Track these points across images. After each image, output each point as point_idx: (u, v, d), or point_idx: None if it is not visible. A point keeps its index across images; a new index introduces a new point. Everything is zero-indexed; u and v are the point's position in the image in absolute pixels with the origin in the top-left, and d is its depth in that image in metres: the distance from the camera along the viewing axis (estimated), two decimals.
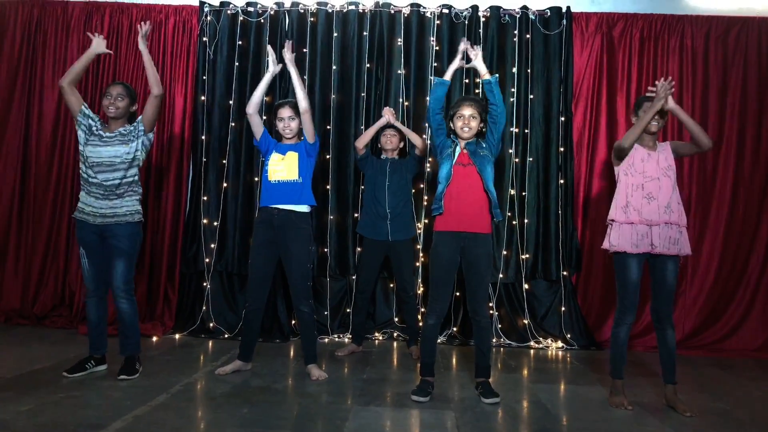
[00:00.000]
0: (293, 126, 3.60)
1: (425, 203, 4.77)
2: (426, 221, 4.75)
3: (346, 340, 4.65)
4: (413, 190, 4.46)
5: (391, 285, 4.87)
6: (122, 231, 3.36)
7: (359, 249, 4.77)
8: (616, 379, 3.24)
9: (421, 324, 4.21)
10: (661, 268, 3.16)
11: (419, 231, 4.74)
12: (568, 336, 4.72)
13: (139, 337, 3.50)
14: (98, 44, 3.41)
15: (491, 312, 4.67)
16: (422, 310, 4.62)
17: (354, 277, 4.80)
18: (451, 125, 3.29)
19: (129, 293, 3.40)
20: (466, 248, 3.21)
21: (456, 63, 3.41)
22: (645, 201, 3.15)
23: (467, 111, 3.24)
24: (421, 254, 4.75)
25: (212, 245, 4.80)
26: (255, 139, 3.69)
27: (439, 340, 4.65)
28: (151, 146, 3.54)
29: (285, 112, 3.60)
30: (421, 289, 4.74)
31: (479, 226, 3.20)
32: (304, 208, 3.56)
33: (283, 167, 3.55)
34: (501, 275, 4.79)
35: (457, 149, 3.26)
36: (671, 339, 3.19)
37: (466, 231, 3.19)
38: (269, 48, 3.71)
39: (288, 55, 3.61)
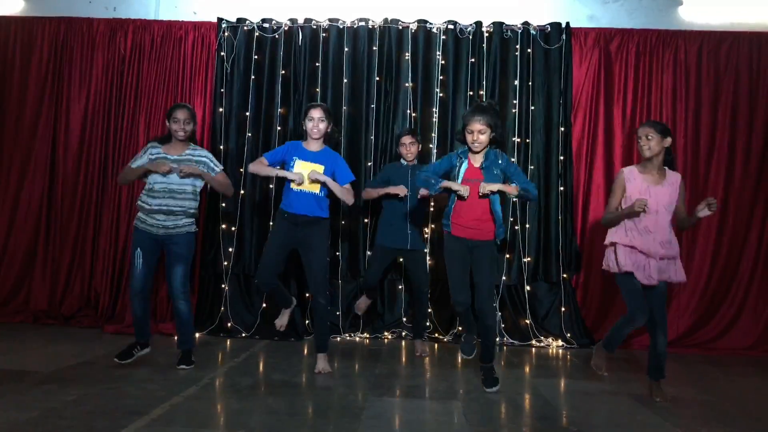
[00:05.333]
0: (322, 127, 3.80)
1: (432, 208, 5.01)
2: (432, 226, 5.01)
3: (357, 339, 4.91)
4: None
5: (400, 287, 5.12)
6: (182, 239, 3.73)
7: (369, 253, 5.01)
8: (607, 351, 3.47)
9: (428, 323, 4.69)
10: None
11: (427, 235, 4.98)
12: (568, 335, 4.96)
13: (193, 333, 3.91)
14: (157, 166, 3.67)
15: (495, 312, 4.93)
16: (429, 310, 4.87)
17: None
18: (464, 135, 3.47)
19: (186, 294, 3.76)
20: (473, 249, 3.46)
21: (453, 186, 3.36)
22: (643, 232, 3.29)
23: (476, 126, 3.36)
24: (428, 257, 5.00)
25: (230, 249, 5.06)
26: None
27: (445, 339, 4.94)
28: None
29: (316, 113, 3.79)
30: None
31: (484, 236, 3.42)
32: (323, 215, 3.82)
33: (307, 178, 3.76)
34: (504, 277, 5.04)
35: (464, 165, 3.44)
36: (661, 345, 3.38)
37: (472, 239, 3.43)
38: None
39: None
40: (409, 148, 4.37)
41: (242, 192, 5.11)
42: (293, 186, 3.74)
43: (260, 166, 3.81)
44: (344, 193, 3.81)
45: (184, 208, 3.74)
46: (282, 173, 3.74)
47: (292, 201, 3.77)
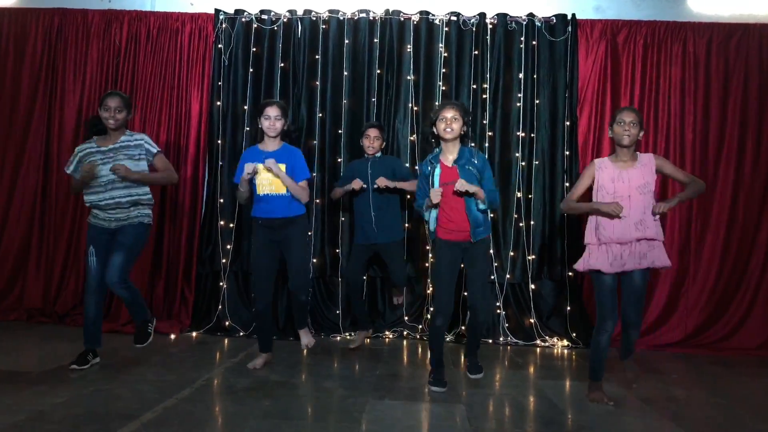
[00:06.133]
0: (278, 126, 3.71)
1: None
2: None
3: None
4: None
5: None
6: (130, 229, 3.56)
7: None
8: (594, 381, 3.34)
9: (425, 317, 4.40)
10: (629, 275, 3.20)
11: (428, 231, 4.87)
12: (573, 335, 4.85)
13: (143, 307, 3.71)
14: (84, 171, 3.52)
15: (498, 312, 4.84)
16: (431, 309, 4.76)
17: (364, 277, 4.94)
18: (434, 130, 3.41)
19: (124, 283, 3.52)
20: (467, 250, 3.41)
21: (431, 201, 3.33)
22: (617, 221, 3.15)
23: (449, 113, 3.33)
24: (430, 255, 4.89)
25: (228, 246, 4.96)
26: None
27: (447, 339, 4.82)
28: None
29: (272, 111, 3.70)
30: (431, 289, 4.88)
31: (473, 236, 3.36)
32: (298, 212, 3.74)
33: (270, 180, 3.64)
34: (508, 276, 4.93)
35: (437, 170, 3.35)
36: (633, 338, 3.35)
37: (463, 240, 3.36)
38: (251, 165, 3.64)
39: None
40: (372, 142, 4.29)
41: (241, 189, 4.99)
42: (259, 191, 3.67)
43: (238, 193, 3.77)
44: (298, 191, 3.68)
45: (133, 195, 3.57)
46: (243, 181, 3.63)
47: (263, 206, 3.69)
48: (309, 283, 3.97)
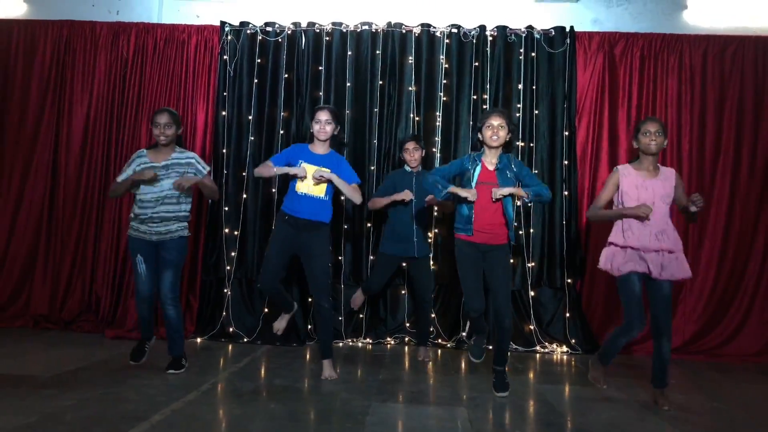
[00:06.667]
0: (328, 129, 3.79)
1: (436, 213, 4.98)
2: (436, 230, 4.98)
3: (360, 344, 4.87)
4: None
5: (403, 292, 5.08)
6: (173, 244, 3.71)
7: (372, 258, 4.97)
8: (602, 365, 3.46)
9: (432, 328, 4.65)
10: (658, 284, 3.27)
11: (430, 239, 4.95)
12: (573, 341, 4.91)
13: (183, 338, 3.87)
14: (143, 174, 3.65)
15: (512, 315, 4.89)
16: (432, 315, 4.82)
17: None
18: (480, 136, 3.49)
19: (176, 300, 3.74)
20: (486, 254, 3.46)
21: (461, 193, 3.36)
22: (641, 224, 3.25)
23: (496, 121, 3.41)
24: (431, 262, 4.96)
25: (232, 253, 5.02)
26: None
27: (448, 345, 4.89)
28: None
29: (323, 115, 3.78)
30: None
31: (497, 240, 3.44)
32: (326, 219, 3.80)
33: (313, 182, 3.71)
34: None
35: (478, 168, 3.43)
36: (666, 352, 3.30)
37: (485, 243, 3.43)
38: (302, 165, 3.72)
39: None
40: (412, 154, 4.34)
41: (245, 196, 5.08)
42: (298, 189, 3.72)
43: (264, 168, 3.78)
44: (351, 192, 3.78)
45: (176, 212, 3.72)
46: (284, 170, 3.71)
47: (296, 204, 3.73)
48: (329, 289, 3.96)
